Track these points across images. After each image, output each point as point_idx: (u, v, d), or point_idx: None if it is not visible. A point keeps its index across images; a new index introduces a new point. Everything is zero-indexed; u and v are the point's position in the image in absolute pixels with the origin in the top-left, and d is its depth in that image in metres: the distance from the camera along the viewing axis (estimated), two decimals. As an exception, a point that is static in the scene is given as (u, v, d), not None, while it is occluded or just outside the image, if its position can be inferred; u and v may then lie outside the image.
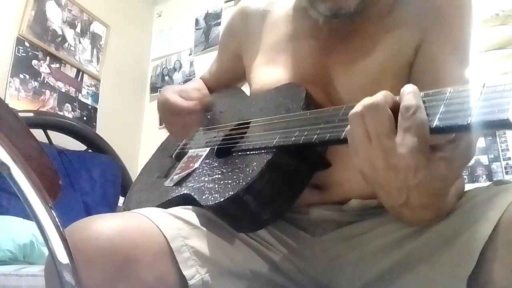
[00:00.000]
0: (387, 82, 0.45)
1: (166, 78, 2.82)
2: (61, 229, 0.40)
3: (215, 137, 0.73)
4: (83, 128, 2.19)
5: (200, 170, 0.66)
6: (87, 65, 2.45)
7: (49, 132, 2.02)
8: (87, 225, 0.50)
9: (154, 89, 2.86)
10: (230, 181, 0.56)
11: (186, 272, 0.52)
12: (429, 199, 0.47)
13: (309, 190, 0.61)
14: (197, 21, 2.78)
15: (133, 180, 0.95)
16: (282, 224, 0.67)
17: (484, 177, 1.75)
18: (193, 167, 0.68)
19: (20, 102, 2.04)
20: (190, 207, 0.63)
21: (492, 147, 1.77)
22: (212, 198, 0.55)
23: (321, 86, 0.67)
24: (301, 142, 0.52)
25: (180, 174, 0.68)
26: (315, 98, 0.63)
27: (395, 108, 0.43)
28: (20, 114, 1.80)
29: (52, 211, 0.39)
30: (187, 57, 2.75)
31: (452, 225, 0.51)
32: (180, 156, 0.77)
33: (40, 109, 2.11)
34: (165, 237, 0.53)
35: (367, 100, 0.43)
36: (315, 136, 0.51)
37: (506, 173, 1.72)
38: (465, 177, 1.77)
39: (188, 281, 0.51)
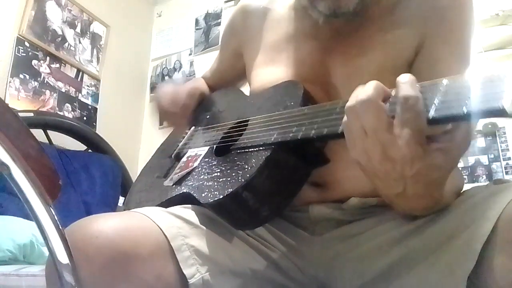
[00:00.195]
0: (386, 82, 0.45)
1: (166, 78, 2.82)
2: (61, 229, 0.40)
3: (214, 136, 0.73)
4: (83, 128, 2.19)
5: (200, 169, 0.66)
6: (87, 65, 2.46)
7: (49, 132, 2.02)
8: (88, 225, 0.50)
9: (154, 89, 2.86)
10: (229, 179, 0.56)
11: (187, 271, 0.52)
12: (425, 189, 0.47)
13: (309, 188, 0.61)
14: (197, 21, 2.78)
15: (133, 180, 0.95)
16: (281, 223, 0.67)
17: (484, 177, 1.75)
18: (192, 166, 0.68)
19: (20, 102, 2.04)
20: (190, 206, 0.63)
21: (492, 147, 1.77)
22: (212, 196, 0.56)
23: (321, 85, 0.67)
24: (299, 137, 0.53)
25: (179, 174, 0.69)
26: (314, 96, 0.63)
27: (386, 98, 0.43)
28: (20, 114, 1.80)
29: (52, 211, 0.39)
30: (187, 57, 2.75)
31: (452, 224, 0.51)
32: (179, 156, 0.77)
33: (40, 109, 2.11)
34: (165, 236, 0.53)
35: (360, 95, 0.44)
36: (313, 131, 0.51)
37: (506, 173, 1.72)
38: (465, 177, 1.78)
39: (189, 280, 0.51)
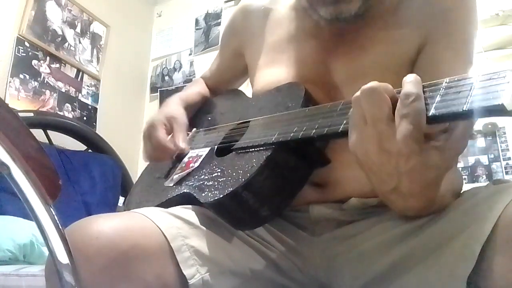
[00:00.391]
0: (388, 82, 0.45)
1: (166, 78, 2.82)
2: (61, 229, 0.40)
3: (215, 137, 0.73)
4: (83, 128, 2.19)
5: (200, 169, 0.66)
6: (87, 65, 2.46)
7: (49, 132, 2.02)
8: (88, 225, 0.50)
9: (154, 89, 2.86)
10: (229, 178, 0.56)
11: (187, 272, 0.52)
12: (420, 188, 0.47)
13: (309, 188, 0.61)
14: (197, 21, 2.78)
15: (133, 180, 0.95)
16: (281, 223, 0.67)
17: (484, 177, 1.75)
18: (193, 166, 0.68)
19: (20, 102, 2.04)
20: (190, 206, 0.63)
21: (492, 147, 1.77)
22: (212, 195, 0.56)
23: (322, 85, 0.67)
24: (299, 137, 0.53)
25: (180, 174, 0.69)
26: (316, 97, 0.63)
27: (394, 99, 0.43)
28: (20, 114, 1.80)
29: (52, 211, 0.39)
30: (187, 57, 2.75)
31: (452, 224, 0.51)
32: (180, 156, 0.77)
33: (40, 109, 2.11)
34: (165, 236, 0.53)
35: (366, 85, 0.44)
36: (314, 131, 0.51)
37: (506, 173, 1.72)
38: (465, 177, 1.78)
39: (189, 281, 0.51)
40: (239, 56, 0.86)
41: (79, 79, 2.39)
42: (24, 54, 2.10)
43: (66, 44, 2.34)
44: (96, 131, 2.32)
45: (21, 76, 2.07)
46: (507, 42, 1.81)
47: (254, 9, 0.84)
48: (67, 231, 0.45)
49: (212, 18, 2.71)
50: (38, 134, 1.95)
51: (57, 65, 2.27)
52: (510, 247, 0.44)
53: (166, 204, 0.66)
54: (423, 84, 0.42)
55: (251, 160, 0.56)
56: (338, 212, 0.65)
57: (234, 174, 0.56)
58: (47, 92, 2.19)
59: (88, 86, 2.45)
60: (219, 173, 0.60)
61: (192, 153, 0.74)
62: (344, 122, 0.48)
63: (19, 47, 2.07)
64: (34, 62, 2.14)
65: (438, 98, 0.40)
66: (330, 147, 0.59)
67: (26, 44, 2.11)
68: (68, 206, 1.81)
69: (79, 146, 2.17)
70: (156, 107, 2.77)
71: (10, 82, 2.01)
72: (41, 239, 1.22)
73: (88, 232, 0.49)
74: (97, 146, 2.19)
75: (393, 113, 0.43)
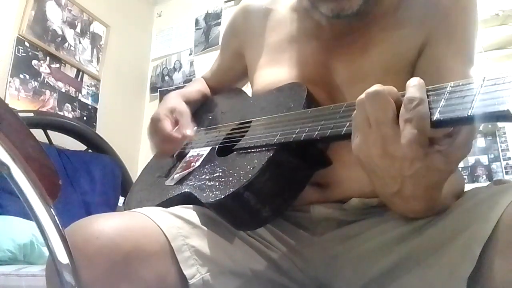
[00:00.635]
0: (389, 82, 0.45)
1: (166, 78, 2.82)
2: (61, 229, 0.40)
3: (216, 136, 0.73)
4: (83, 128, 2.19)
5: (201, 168, 0.66)
6: (87, 65, 2.45)
7: (49, 132, 2.02)
8: (88, 225, 0.50)
9: (154, 89, 2.86)
10: (230, 179, 0.56)
11: (187, 272, 0.52)
12: (422, 191, 0.47)
13: (310, 188, 0.61)
14: (197, 21, 2.78)
15: (133, 180, 0.95)
16: (282, 223, 0.67)
17: (484, 177, 1.75)
18: (194, 166, 0.68)
19: (20, 102, 2.04)
20: (191, 206, 0.63)
21: (492, 147, 1.77)
22: (213, 195, 0.55)
23: (323, 86, 0.67)
24: (302, 138, 0.52)
25: (181, 173, 0.69)
26: (317, 97, 0.63)
27: (399, 102, 0.43)
28: (20, 114, 1.80)
29: (52, 211, 0.39)
30: (187, 57, 2.75)
31: (452, 224, 0.51)
32: (181, 155, 0.77)
33: (40, 109, 2.11)
34: (165, 236, 0.53)
35: (370, 88, 0.44)
36: (316, 133, 0.51)
37: (506, 173, 1.72)
38: (465, 177, 1.77)
39: (189, 281, 0.51)
40: (240, 56, 0.86)
41: (79, 79, 2.39)
42: (24, 54, 2.09)
43: (66, 44, 2.34)
44: (96, 131, 2.32)
45: (21, 76, 2.06)
46: (507, 42, 1.81)
47: (254, 10, 0.84)
48: (67, 231, 0.45)
49: (212, 18, 2.71)
50: (38, 134, 1.95)
51: (57, 65, 2.27)
52: (511, 248, 0.44)
53: (167, 203, 0.66)
54: (427, 87, 0.42)
55: (252, 161, 0.56)
56: (339, 212, 0.65)
57: (235, 174, 0.56)
58: (47, 92, 2.19)
59: (88, 86, 2.45)
60: (220, 173, 0.60)
61: (193, 152, 0.74)
62: (347, 124, 0.48)
63: (19, 47, 2.07)
64: (34, 62, 2.14)
65: (442, 102, 0.40)
66: (331, 147, 0.59)
67: (26, 44, 2.11)
68: (68, 206, 1.81)
69: (79, 146, 2.17)
70: (156, 107, 2.75)
71: (10, 82, 2.01)
72: (41, 239, 1.22)
73: (89, 232, 0.49)
74: (97, 146, 2.19)
75: (398, 117, 0.42)
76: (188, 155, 0.74)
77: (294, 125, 0.55)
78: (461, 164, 1.80)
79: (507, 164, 1.73)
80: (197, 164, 0.68)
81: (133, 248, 0.49)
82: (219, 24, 2.66)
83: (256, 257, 0.61)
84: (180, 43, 2.83)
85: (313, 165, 0.58)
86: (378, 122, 0.43)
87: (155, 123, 0.77)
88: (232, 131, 0.70)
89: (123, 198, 2.10)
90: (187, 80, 2.66)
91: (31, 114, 1.94)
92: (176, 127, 0.76)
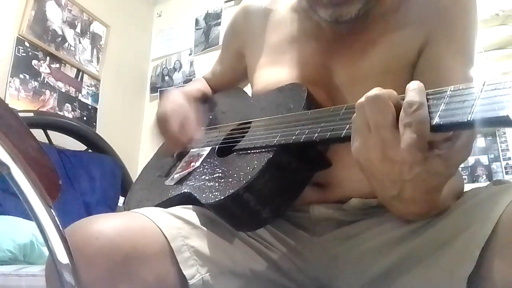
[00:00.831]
0: (389, 83, 0.45)
1: (166, 78, 2.82)
2: (61, 229, 0.40)
3: (216, 136, 0.73)
4: (83, 128, 2.19)
5: (201, 169, 0.66)
6: (87, 65, 2.45)
7: (49, 132, 2.02)
8: (88, 225, 0.50)
9: (154, 89, 2.86)
10: (230, 180, 0.56)
11: (187, 272, 0.52)
12: (422, 195, 0.47)
13: (310, 188, 0.61)
14: (197, 21, 2.78)
15: (133, 180, 0.95)
16: (282, 223, 0.67)
17: (484, 177, 1.75)
18: (194, 166, 0.68)
19: (20, 102, 2.04)
20: (191, 206, 0.63)
21: (492, 147, 1.77)
22: (213, 196, 0.55)
23: (323, 87, 0.67)
24: (302, 140, 0.52)
25: (181, 173, 0.69)
26: (317, 98, 0.63)
27: (398, 106, 0.43)
28: (20, 114, 1.80)
29: (52, 211, 0.39)
30: (187, 57, 2.75)
31: (452, 224, 0.51)
32: (181, 155, 0.77)
33: (40, 109, 2.11)
34: (165, 237, 0.53)
35: (370, 91, 0.44)
36: (316, 135, 0.51)
37: (506, 173, 1.72)
38: (465, 177, 1.77)
39: (189, 281, 0.51)
40: (240, 56, 0.86)
41: (79, 79, 2.39)
42: (24, 54, 2.09)
43: (66, 44, 2.34)
44: (96, 131, 2.32)
45: (21, 76, 2.06)
46: (507, 42, 1.81)
47: (254, 10, 0.84)
48: (67, 231, 0.45)
49: (212, 18, 2.71)
50: (38, 134, 1.95)
51: (57, 65, 2.27)
52: (510, 248, 0.44)
53: (167, 203, 0.66)
54: (427, 91, 0.42)
55: (252, 162, 0.56)
56: (339, 212, 0.65)
57: (235, 175, 0.56)
58: (47, 92, 2.19)
59: (88, 86, 2.44)
60: (220, 174, 0.60)
61: (193, 152, 0.74)
62: (347, 127, 0.48)
63: (19, 47, 2.07)
64: (34, 62, 2.14)
65: (442, 107, 0.40)
66: (331, 148, 0.59)
67: (26, 44, 2.11)
68: (68, 206, 1.81)
69: (79, 146, 2.17)
70: (156, 107, 2.75)
71: (10, 82, 2.01)
72: (41, 239, 1.22)
73: (88, 232, 0.49)
74: (97, 146, 2.19)
75: (397, 120, 0.42)
76: (188, 155, 0.74)
77: (294, 127, 0.55)
78: (461, 165, 1.79)
79: (507, 164, 1.73)
80: (197, 164, 0.68)
81: (133, 248, 0.49)
82: (219, 24, 2.66)
83: (256, 257, 0.61)
84: (180, 43, 2.83)
85: (313, 166, 0.58)
86: (377, 126, 0.43)
87: (162, 123, 0.76)
88: (232, 132, 0.70)
89: (123, 198, 2.10)
90: (187, 80, 2.65)
91: (31, 114, 1.94)
92: (182, 127, 0.76)
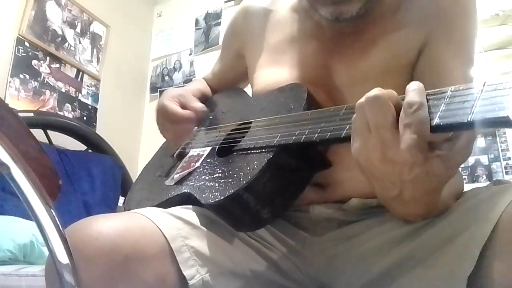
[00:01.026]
0: (389, 83, 0.45)
1: (166, 78, 2.82)
2: (61, 229, 0.40)
3: (216, 136, 0.73)
4: (83, 128, 2.19)
5: (201, 169, 0.66)
6: (87, 65, 2.45)
7: (49, 132, 2.02)
8: (88, 225, 0.50)
9: (154, 89, 2.86)
10: (230, 180, 0.56)
11: (187, 272, 0.52)
12: (422, 195, 0.47)
13: (310, 188, 0.61)
14: (197, 21, 2.78)
15: (133, 180, 0.95)
16: (282, 223, 0.67)
17: (484, 177, 1.75)
18: (194, 166, 0.68)
19: (20, 102, 2.04)
20: (191, 206, 0.63)
21: (492, 147, 1.77)
22: (213, 197, 0.55)
23: (323, 87, 0.67)
24: (302, 141, 0.52)
25: (181, 173, 0.69)
26: (317, 99, 0.63)
27: (398, 106, 0.43)
28: (20, 114, 1.80)
29: (52, 211, 0.39)
30: (187, 57, 2.75)
31: (452, 225, 0.51)
32: (181, 155, 0.77)
33: (40, 109, 2.11)
34: (165, 237, 0.53)
35: (370, 92, 0.44)
36: (316, 135, 0.51)
37: (506, 173, 1.72)
38: (465, 177, 1.77)
39: (188, 281, 0.51)
40: (240, 57, 0.86)
41: (79, 79, 2.39)
42: (24, 54, 2.09)
43: (66, 44, 2.34)
44: (96, 131, 2.32)
45: (21, 76, 2.06)
46: (507, 42, 1.81)
47: (254, 10, 0.84)
48: (67, 231, 0.44)
49: (212, 18, 2.71)
50: (38, 134, 1.95)
51: (57, 65, 2.27)
52: (510, 248, 0.44)
53: (167, 203, 0.66)
54: (427, 92, 0.42)
55: (252, 162, 0.56)
56: (339, 213, 0.65)
57: (235, 175, 0.56)
58: (47, 92, 2.19)
59: (88, 86, 2.45)
60: (220, 174, 0.60)
61: (193, 152, 0.74)
62: (347, 127, 0.48)
63: (19, 47, 2.07)
64: (34, 62, 2.14)
65: (442, 107, 0.40)
66: (331, 148, 0.59)
67: (26, 44, 2.11)
68: (68, 206, 1.81)
69: (79, 146, 2.17)
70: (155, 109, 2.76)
71: (10, 82, 2.01)
72: (41, 239, 1.22)
73: (88, 233, 0.49)
74: (97, 146, 2.19)
75: (397, 121, 0.42)
76: (188, 155, 0.74)
77: (294, 127, 0.55)
78: (461, 165, 1.79)
79: (507, 164, 1.73)
80: (197, 164, 0.68)
81: (133, 249, 0.49)
82: (219, 24, 2.66)
83: (256, 257, 0.61)
84: (180, 43, 2.83)
85: (313, 166, 0.58)
86: (377, 127, 0.43)
87: (163, 110, 0.79)
88: (232, 132, 0.70)
89: (123, 198, 2.10)
90: (187, 80, 2.66)
91: (31, 114, 1.94)
92: (184, 107, 0.79)
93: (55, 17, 2.29)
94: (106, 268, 0.47)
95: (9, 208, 1.55)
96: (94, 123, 2.44)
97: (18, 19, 2.09)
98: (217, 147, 0.69)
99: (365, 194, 0.63)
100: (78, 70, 2.39)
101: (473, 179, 1.77)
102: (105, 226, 0.50)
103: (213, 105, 0.87)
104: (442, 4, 0.65)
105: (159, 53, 2.92)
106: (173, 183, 0.69)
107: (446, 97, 0.40)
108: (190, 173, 0.68)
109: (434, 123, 0.40)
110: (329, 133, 0.49)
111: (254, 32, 0.82)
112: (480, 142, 1.80)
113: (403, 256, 0.55)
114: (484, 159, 1.78)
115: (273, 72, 0.74)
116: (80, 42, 2.43)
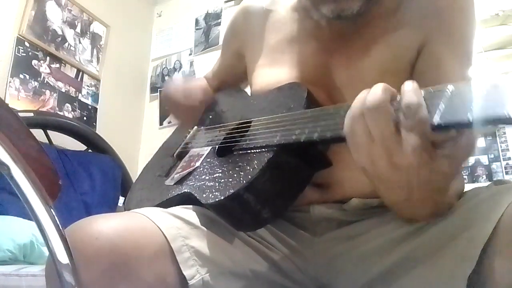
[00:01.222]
0: (389, 83, 0.44)
1: (166, 78, 2.82)
2: (61, 229, 0.40)
3: (216, 136, 0.73)
4: (83, 128, 2.19)
5: (201, 169, 0.66)
6: (87, 65, 2.45)
7: (49, 132, 2.02)
8: (88, 225, 0.50)
9: (154, 89, 2.86)
10: (230, 180, 0.56)
11: (187, 272, 0.52)
12: (429, 195, 0.47)
13: (310, 188, 0.61)
14: (197, 21, 2.78)
15: (133, 180, 0.95)
16: (282, 223, 0.67)
17: (484, 177, 1.75)
18: (194, 166, 0.68)
19: (20, 102, 2.04)
20: (191, 206, 0.63)
21: (492, 147, 1.77)
22: (213, 196, 0.55)
23: (323, 86, 0.67)
24: (302, 140, 0.52)
25: (181, 173, 0.69)
26: (317, 98, 0.63)
27: (394, 99, 0.42)
28: (20, 114, 1.80)
29: (52, 211, 0.39)
30: (187, 57, 2.75)
31: (452, 225, 0.51)
32: (181, 155, 0.77)
33: (40, 109, 2.11)
34: (165, 237, 0.53)
35: (369, 99, 0.42)
36: (316, 134, 0.51)
37: (506, 173, 1.72)
38: (465, 177, 1.77)
39: (189, 281, 0.51)
40: (240, 57, 0.86)
41: (79, 79, 2.39)
42: (24, 54, 2.09)
43: (66, 44, 2.34)
44: (96, 131, 2.32)
45: (21, 76, 2.06)
46: (507, 42, 1.81)
47: (254, 10, 0.84)
48: (67, 231, 0.44)
49: (212, 18, 2.71)
50: (38, 134, 1.95)
51: (57, 65, 2.27)
52: (510, 248, 0.44)
53: (167, 203, 0.66)
54: (427, 90, 0.42)
55: (252, 162, 0.56)
56: (339, 213, 0.65)
57: (235, 175, 0.56)
58: (47, 92, 2.19)
59: (88, 86, 2.45)
60: (220, 174, 0.60)
61: (193, 152, 0.74)
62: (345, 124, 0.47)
63: (19, 47, 2.07)
64: (34, 62, 2.14)
65: (442, 106, 0.40)
66: (332, 147, 0.59)
67: (26, 44, 2.11)
68: (68, 206, 1.81)
69: (79, 146, 2.17)
70: (156, 107, 2.77)
71: (10, 82, 2.01)
72: (41, 239, 1.22)
73: (88, 233, 0.48)
74: (97, 146, 2.19)
75: (396, 124, 0.42)
76: (188, 155, 0.74)
77: (294, 126, 0.55)
78: (465, 163, 1.79)
79: (507, 164, 1.73)
80: (197, 164, 0.68)
81: (133, 248, 0.49)
82: (219, 24, 2.66)
83: (256, 257, 0.61)
84: (180, 43, 2.83)
85: (313, 166, 0.58)
86: (381, 136, 0.42)
87: (167, 93, 0.84)
88: (232, 131, 0.70)
89: (123, 198, 2.10)
90: (188, 80, 2.65)
91: (31, 114, 1.94)
92: (189, 92, 0.83)
93: (55, 17, 2.29)
94: (106, 268, 0.47)
95: (9, 208, 1.55)
96: (94, 123, 2.44)
97: (18, 19, 2.09)
98: (217, 146, 0.69)
99: (365, 194, 0.63)
100: (78, 70, 2.39)
101: (473, 179, 1.77)
102: (105, 226, 0.50)
103: (213, 104, 0.87)
104: (441, 4, 0.66)
105: (159, 53, 2.92)
106: (173, 183, 0.69)
107: (445, 95, 0.40)
108: (190, 173, 0.68)
109: (434, 122, 0.40)
110: (329, 132, 0.49)
111: (254, 32, 0.82)
112: (480, 142, 1.80)
113: (403, 256, 0.54)
114: (484, 159, 1.78)
115: (273, 71, 0.74)
116: (80, 42, 2.43)
